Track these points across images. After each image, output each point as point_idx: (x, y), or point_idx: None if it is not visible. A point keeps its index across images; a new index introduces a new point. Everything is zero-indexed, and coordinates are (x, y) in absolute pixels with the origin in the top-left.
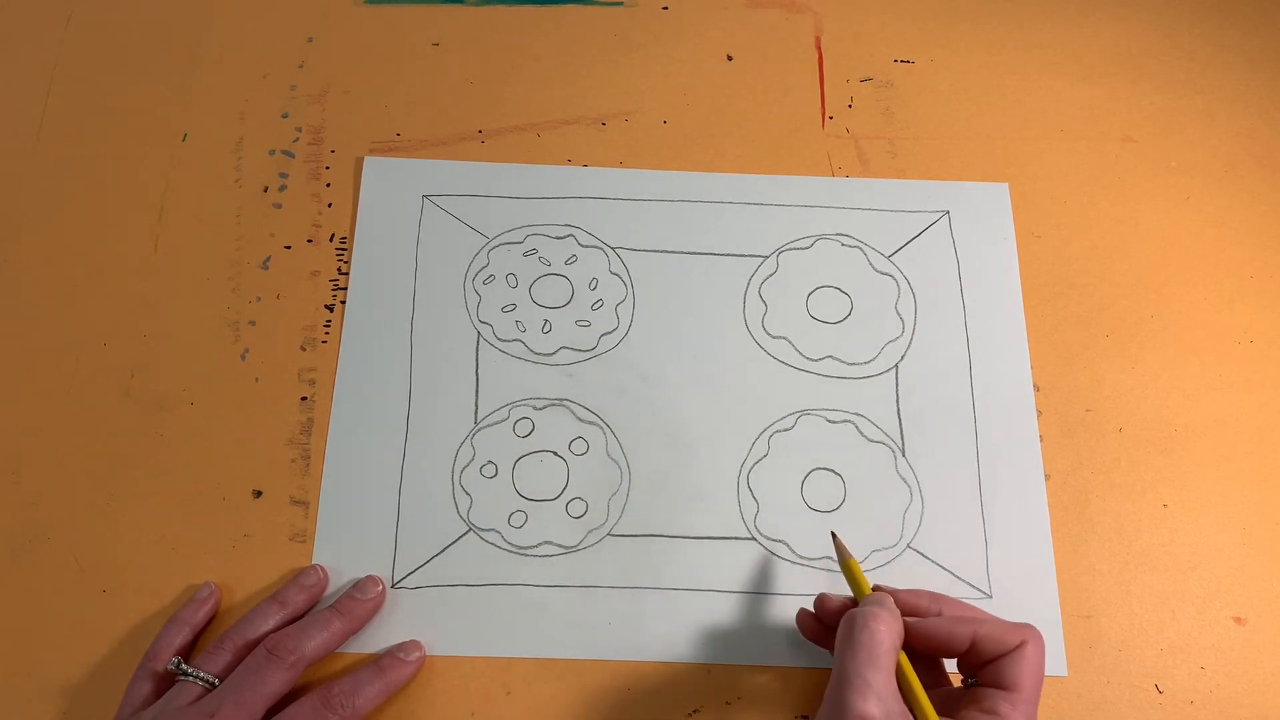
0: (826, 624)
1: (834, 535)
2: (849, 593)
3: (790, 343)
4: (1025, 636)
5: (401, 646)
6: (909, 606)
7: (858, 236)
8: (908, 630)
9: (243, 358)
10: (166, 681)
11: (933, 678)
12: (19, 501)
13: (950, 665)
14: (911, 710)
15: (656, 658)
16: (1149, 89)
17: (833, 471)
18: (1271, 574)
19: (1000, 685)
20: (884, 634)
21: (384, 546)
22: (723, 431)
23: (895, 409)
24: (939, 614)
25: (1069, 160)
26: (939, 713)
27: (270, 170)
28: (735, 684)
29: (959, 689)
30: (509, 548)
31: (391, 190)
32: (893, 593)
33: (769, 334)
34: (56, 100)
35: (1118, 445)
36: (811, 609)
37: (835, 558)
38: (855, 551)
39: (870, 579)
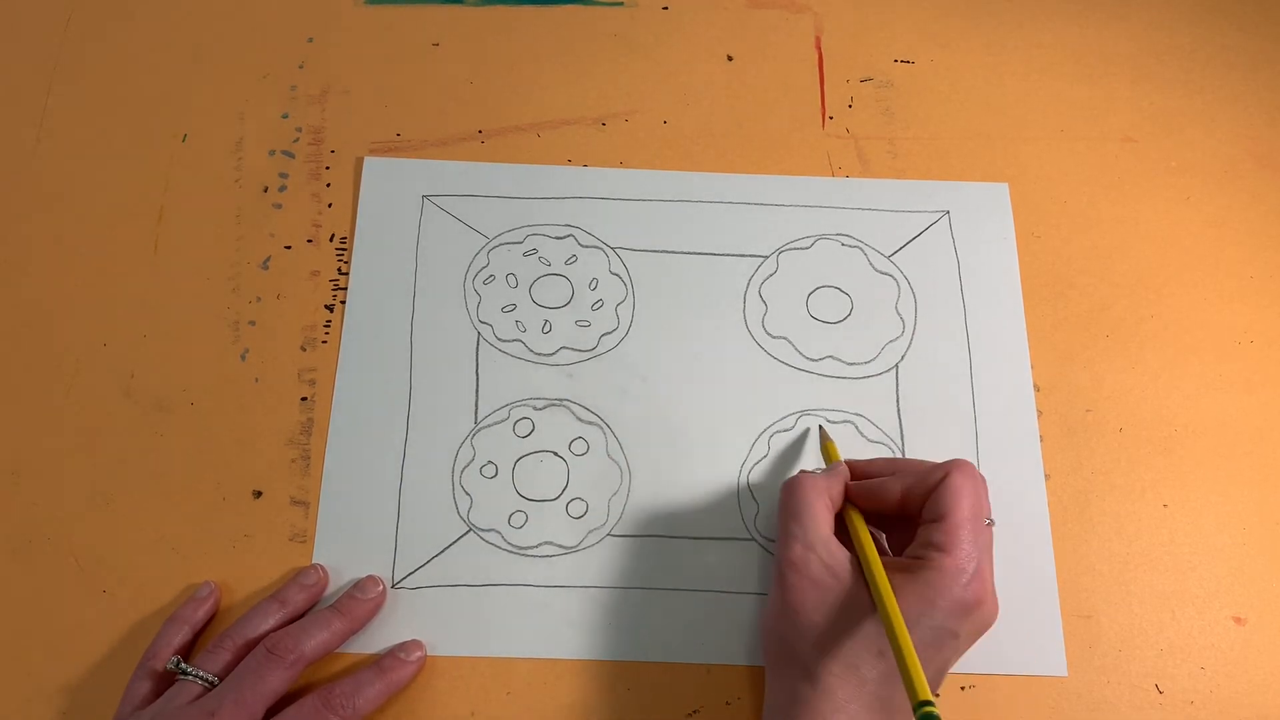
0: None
1: (820, 428)
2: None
3: (790, 343)
4: (948, 469)
5: (403, 646)
6: (862, 471)
7: (858, 236)
8: (850, 493)
9: (243, 358)
10: (166, 680)
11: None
12: (19, 501)
13: None
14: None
15: (656, 658)
16: (1149, 89)
17: None
18: (1271, 574)
19: (932, 519)
20: (805, 490)
21: (384, 546)
22: (723, 431)
23: (895, 409)
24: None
25: (1069, 160)
26: (888, 568)
27: (270, 170)
28: (735, 684)
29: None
30: (509, 548)
31: (391, 190)
32: (851, 462)
33: (769, 334)
34: (56, 100)
35: (1118, 445)
36: None
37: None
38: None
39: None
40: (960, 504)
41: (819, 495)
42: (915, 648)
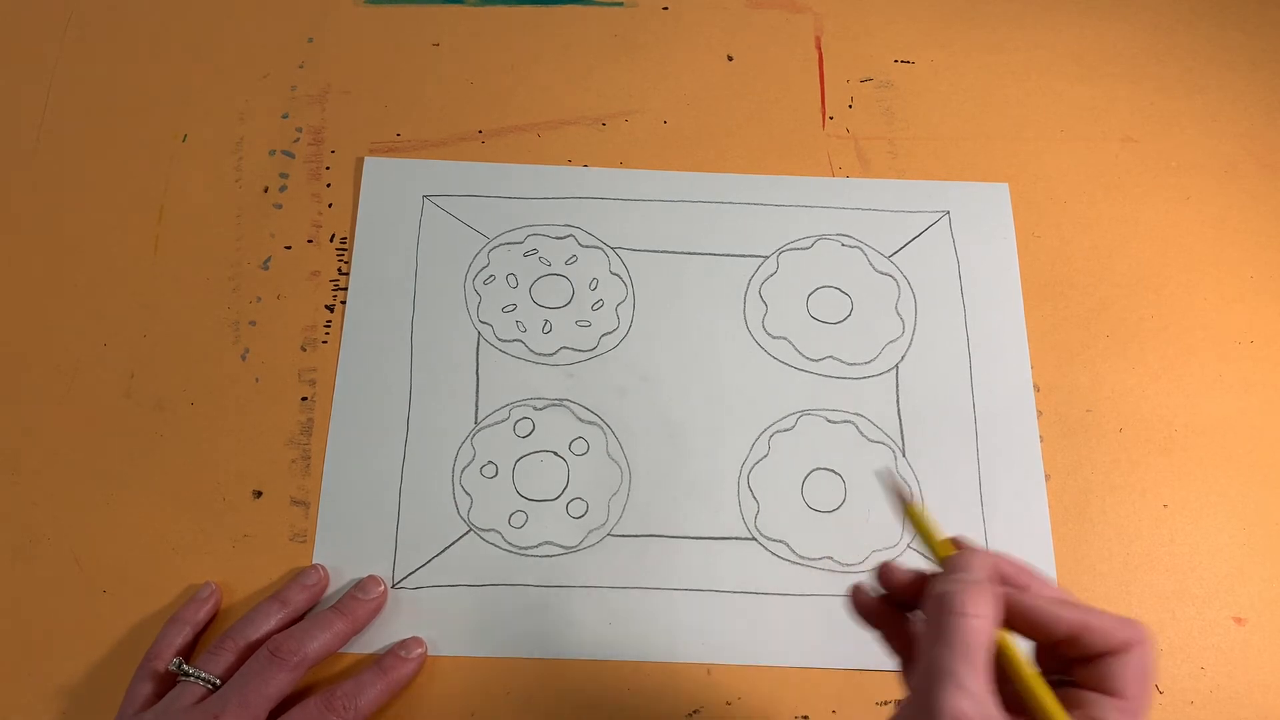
0: (894, 599)
1: (890, 474)
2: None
3: (790, 343)
4: (1139, 635)
5: (403, 644)
6: (999, 574)
7: (858, 237)
8: (1013, 611)
9: (243, 358)
10: (168, 682)
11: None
12: (19, 501)
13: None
14: (1012, 704)
15: (656, 658)
16: (1149, 89)
17: (833, 472)
18: (1271, 574)
19: (1104, 689)
20: (982, 619)
21: (384, 547)
22: (723, 431)
23: (895, 409)
24: (1027, 588)
25: (1069, 160)
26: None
27: (270, 170)
28: (735, 684)
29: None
30: (509, 548)
31: (391, 190)
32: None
33: (769, 334)
34: (56, 100)
35: (1118, 445)
36: (869, 586)
37: (896, 506)
38: (855, 553)
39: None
40: (1145, 690)
41: (988, 616)
42: None
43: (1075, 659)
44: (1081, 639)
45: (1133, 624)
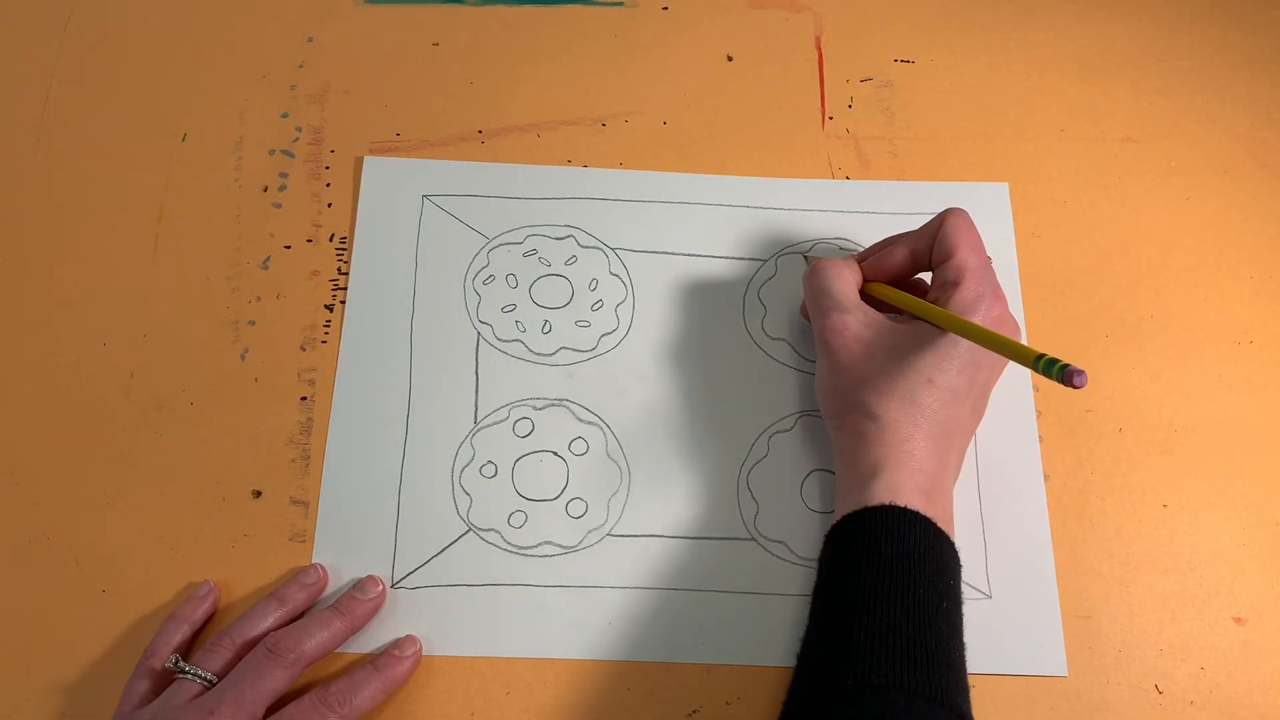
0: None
1: (805, 256)
2: None
3: (790, 344)
4: (943, 215)
5: (398, 643)
6: (866, 254)
7: (856, 240)
8: (865, 271)
9: (243, 358)
10: (165, 679)
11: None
12: (19, 501)
13: None
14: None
15: (656, 658)
16: (1149, 89)
17: (832, 473)
18: (1271, 574)
19: (942, 261)
20: (828, 268)
21: (384, 546)
22: (722, 432)
23: None
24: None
25: (1069, 160)
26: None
27: (270, 170)
28: (735, 684)
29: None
30: (509, 548)
31: (391, 190)
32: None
33: (769, 336)
34: (56, 100)
35: (1118, 445)
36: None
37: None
38: None
39: None
40: (961, 239)
41: (841, 271)
42: None
43: (930, 264)
44: (916, 251)
45: (940, 213)
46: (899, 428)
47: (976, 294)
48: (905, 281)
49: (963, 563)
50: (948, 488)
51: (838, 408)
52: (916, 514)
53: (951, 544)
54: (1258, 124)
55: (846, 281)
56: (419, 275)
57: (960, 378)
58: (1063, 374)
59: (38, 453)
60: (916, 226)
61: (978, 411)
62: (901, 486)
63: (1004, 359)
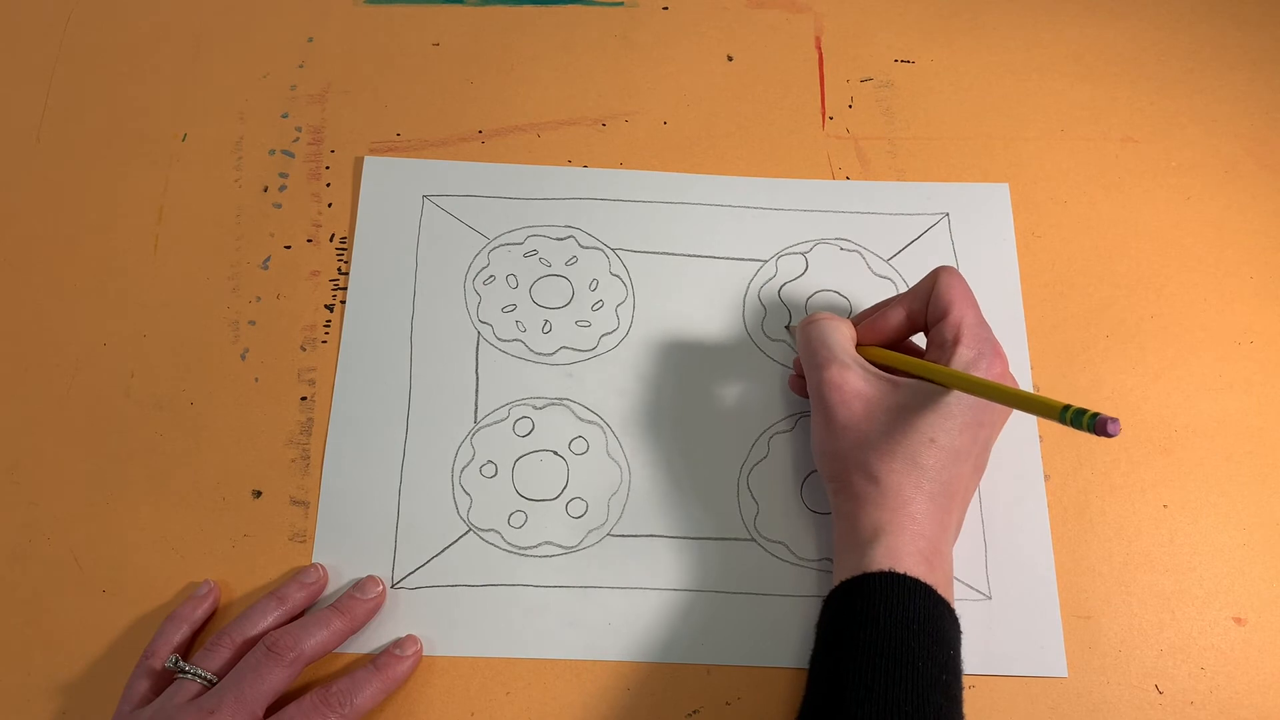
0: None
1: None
2: None
3: (790, 345)
4: (936, 273)
5: (398, 643)
6: (861, 317)
7: (856, 240)
8: (862, 330)
9: (243, 358)
10: (165, 679)
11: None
12: (19, 501)
13: None
14: (900, 374)
15: (656, 658)
16: (1149, 89)
17: None
18: (1271, 574)
19: (939, 320)
20: (824, 322)
21: (384, 546)
22: (722, 432)
23: None
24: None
25: (1069, 160)
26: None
27: (270, 170)
28: (735, 684)
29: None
30: (509, 548)
31: (391, 190)
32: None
33: (768, 336)
34: (56, 100)
35: (1118, 445)
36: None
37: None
38: None
39: None
40: (956, 296)
41: (838, 325)
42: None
43: (926, 324)
44: (912, 311)
45: (931, 272)
46: (900, 490)
47: (977, 351)
48: (899, 345)
49: (963, 563)
50: (948, 551)
51: (838, 469)
52: (916, 581)
53: (951, 610)
54: (1258, 124)
55: (844, 335)
56: (419, 275)
57: (963, 437)
58: (1094, 424)
59: (38, 453)
60: (916, 226)
61: (979, 469)
62: (902, 551)
63: (1004, 415)
